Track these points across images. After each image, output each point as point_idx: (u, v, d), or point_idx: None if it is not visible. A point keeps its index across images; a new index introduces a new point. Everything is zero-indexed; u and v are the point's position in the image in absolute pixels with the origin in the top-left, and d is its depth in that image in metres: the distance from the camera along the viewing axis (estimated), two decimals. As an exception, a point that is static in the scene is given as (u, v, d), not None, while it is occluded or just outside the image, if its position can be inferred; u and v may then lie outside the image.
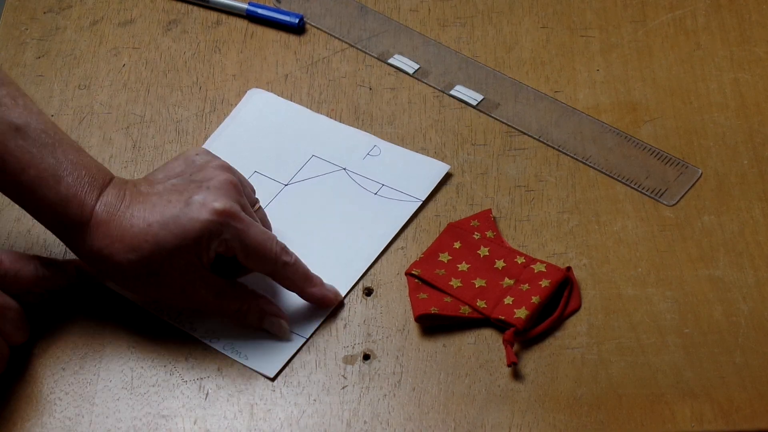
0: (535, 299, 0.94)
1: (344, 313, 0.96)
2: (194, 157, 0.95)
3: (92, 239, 0.91)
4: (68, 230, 0.92)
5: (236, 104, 1.09)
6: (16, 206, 1.02)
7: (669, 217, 1.00)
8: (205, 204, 0.90)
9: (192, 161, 0.95)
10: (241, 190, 0.93)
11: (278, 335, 0.94)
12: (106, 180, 0.93)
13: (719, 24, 1.12)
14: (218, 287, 0.93)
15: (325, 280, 0.97)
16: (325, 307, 0.95)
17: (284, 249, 0.93)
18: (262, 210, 0.98)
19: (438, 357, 0.93)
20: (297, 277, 0.94)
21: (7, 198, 1.03)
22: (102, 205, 0.91)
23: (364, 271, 0.98)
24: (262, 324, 0.94)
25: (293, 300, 0.96)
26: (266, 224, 0.98)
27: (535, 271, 0.95)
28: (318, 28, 1.15)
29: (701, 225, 0.99)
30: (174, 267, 0.91)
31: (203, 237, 0.90)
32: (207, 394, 0.92)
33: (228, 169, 0.94)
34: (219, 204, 0.90)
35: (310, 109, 1.09)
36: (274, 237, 0.93)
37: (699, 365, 0.91)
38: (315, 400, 0.92)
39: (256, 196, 0.98)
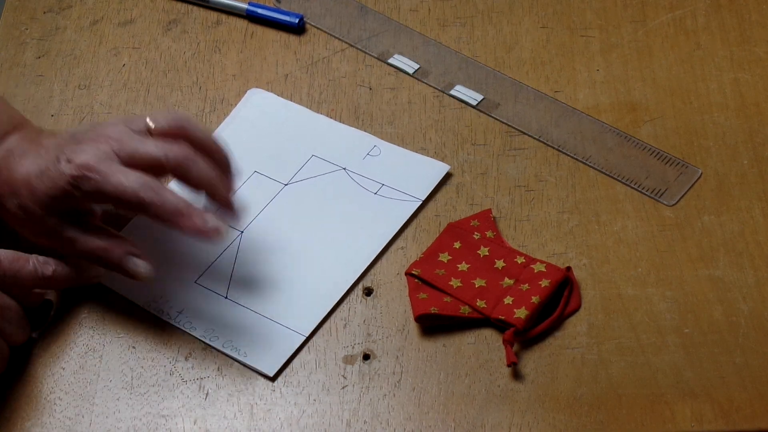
0: (535, 299, 0.94)
1: (344, 313, 0.96)
2: (102, 122, 0.97)
3: None
4: None
5: (236, 104, 1.09)
6: (16, 206, 1.02)
7: (669, 217, 1.00)
8: (69, 157, 0.92)
9: (95, 123, 0.98)
10: (117, 144, 0.93)
11: (137, 274, 0.93)
12: (12, 124, 0.97)
13: (719, 24, 1.12)
14: (93, 237, 0.94)
15: (324, 280, 0.97)
16: (207, 239, 0.92)
17: (149, 187, 0.91)
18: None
19: (438, 357, 0.93)
20: (166, 214, 0.92)
21: (6, 198, 1.03)
22: (2, 150, 0.95)
23: (363, 270, 0.98)
24: (123, 261, 0.93)
25: (293, 299, 0.96)
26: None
27: (535, 271, 0.96)
28: (318, 28, 1.15)
29: (701, 225, 0.99)
30: (50, 216, 0.93)
31: (68, 192, 0.92)
32: (207, 394, 0.92)
33: (112, 132, 0.94)
34: (79, 158, 0.92)
35: (310, 109, 1.09)
36: (136, 178, 0.91)
37: (699, 365, 0.91)
38: (315, 400, 0.92)
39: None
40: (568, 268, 0.96)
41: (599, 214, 1.00)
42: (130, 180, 0.91)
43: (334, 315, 0.96)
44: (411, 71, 1.11)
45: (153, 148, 0.93)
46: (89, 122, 0.99)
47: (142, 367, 0.94)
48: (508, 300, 0.94)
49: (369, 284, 0.97)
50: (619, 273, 0.96)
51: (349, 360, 0.93)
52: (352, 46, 1.13)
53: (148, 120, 0.95)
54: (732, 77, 1.08)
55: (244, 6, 1.16)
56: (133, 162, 0.93)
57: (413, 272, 0.97)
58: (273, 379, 0.93)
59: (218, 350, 0.95)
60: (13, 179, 0.94)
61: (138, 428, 0.91)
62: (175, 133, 0.95)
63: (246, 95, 1.10)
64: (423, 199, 1.02)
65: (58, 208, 0.93)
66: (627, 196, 1.01)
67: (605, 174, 1.03)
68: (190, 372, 0.94)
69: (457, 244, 0.98)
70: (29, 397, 0.93)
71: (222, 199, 0.95)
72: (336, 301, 0.96)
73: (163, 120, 0.95)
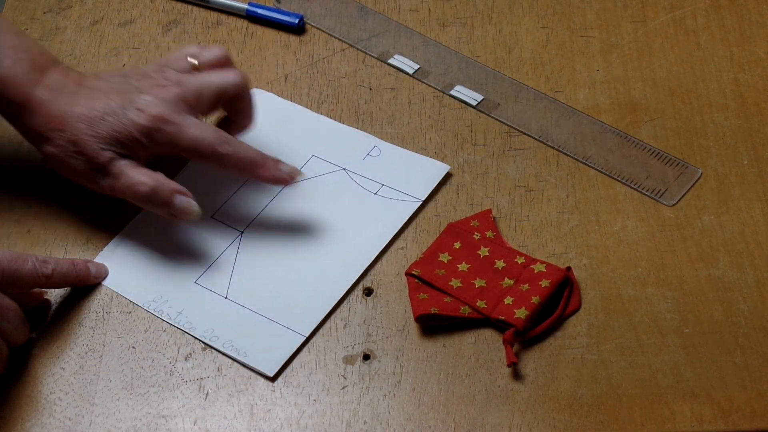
0: (535, 299, 0.94)
1: (344, 313, 0.96)
2: (142, 67, 1.01)
3: (33, 118, 0.98)
4: (11, 110, 0.98)
5: (236, 104, 1.10)
6: (16, 206, 1.02)
7: (669, 217, 1.00)
8: (142, 108, 0.96)
9: (138, 69, 1.01)
10: (179, 89, 0.98)
11: (187, 212, 0.96)
12: (48, 63, 0.99)
13: (719, 24, 1.12)
14: (141, 171, 0.97)
15: (324, 280, 0.97)
16: (282, 185, 0.99)
17: (224, 140, 0.96)
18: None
19: (438, 357, 0.93)
20: (242, 165, 0.97)
21: (6, 198, 1.03)
22: (43, 87, 0.98)
23: (363, 270, 0.98)
24: (171, 199, 0.96)
25: (293, 299, 0.96)
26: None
27: (535, 272, 0.96)
28: (318, 28, 1.15)
29: (701, 225, 0.99)
30: (106, 150, 0.96)
31: (137, 139, 0.96)
32: (207, 394, 0.92)
33: (168, 76, 0.99)
34: (153, 109, 0.96)
35: (310, 109, 1.09)
36: (210, 130, 0.97)
37: (699, 365, 0.91)
38: (315, 400, 0.92)
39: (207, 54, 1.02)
40: (568, 269, 0.96)
41: (599, 214, 1.00)
42: (205, 133, 0.96)
43: (334, 315, 0.96)
44: (411, 71, 1.11)
45: (215, 80, 0.99)
46: (132, 67, 1.03)
47: (142, 367, 0.94)
48: (508, 300, 0.94)
49: (369, 284, 0.97)
50: (619, 273, 0.96)
51: (349, 360, 0.93)
52: (352, 46, 1.13)
53: (190, 59, 1.00)
54: (732, 77, 1.08)
55: (244, 6, 1.16)
56: (201, 101, 0.98)
57: (413, 272, 0.97)
58: (273, 379, 0.93)
59: (218, 350, 0.95)
60: (66, 116, 0.97)
61: (138, 428, 0.91)
62: (217, 67, 1.01)
63: (246, 95, 1.10)
64: (423, 199, 1.02)
65: (116, 148, 0.96)
66: (627, 196, 1.01)
67: (605, 174, 1.03)
68: (190, 372, 0.94)
69: (457, 245, 0.98)
70: (29, 397, 0.93)
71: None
72: (336, 301, 0.96)
73: (206, 56, 1.01)
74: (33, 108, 0.97)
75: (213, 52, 1.01)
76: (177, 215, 0.97)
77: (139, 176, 0.96)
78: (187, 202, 0.96)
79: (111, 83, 0.98)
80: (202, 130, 0.96)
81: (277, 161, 0.98)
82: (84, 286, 0.98)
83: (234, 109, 1.02)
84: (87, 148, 0.96)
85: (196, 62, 1.00)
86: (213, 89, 0.99)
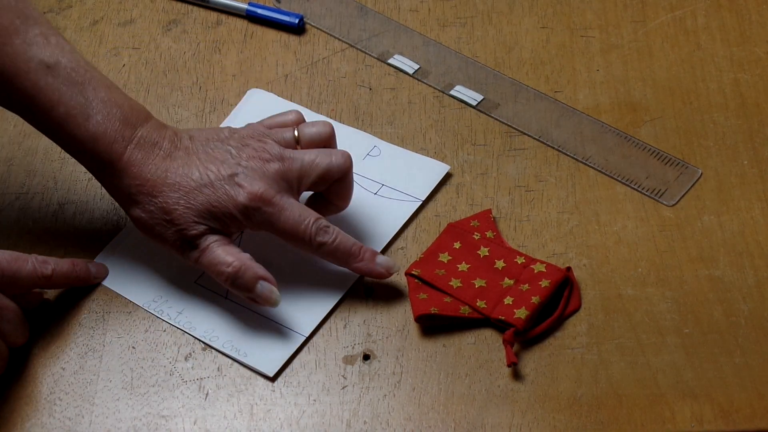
0: (535, 299, 0.94)
1: (344, 313, 0.96)
2: (241, 129, 0.97)
3: (123, 178, 0.93)
4: (100, 168, 0.94)
5: (236, 104, 1.09)
6: (16, 206, 1.03)
7: (669, 217, 1.00)
8: (240, 183, 0.92)
9: (237, 132, 0.96)
10: (283, 165, 0.94)
11: (268, 300, 0.93)
12: (140, 119, 0.95)
13: (719, 24, 1.12)
14: (228, 250, 0.93)
15: (324, 280, 0.97)
16: (378, 279, 0.96)
17: (321, 229, 0.93)
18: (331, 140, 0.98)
19: (438, 357, 0.93)
20: (338, 254, 0.94)
21: (6, 198, 1.03)
22: (134, 145, 0.93)
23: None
24: (255, 285, 0.93)
25: (293, 299, 0.96)
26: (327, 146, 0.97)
27: (535, 272, 0.95)
28: (318, 28, 1.15)
29: (701, 225, 0.99)
30: (199, 224, 0.93)
31: (233, 216, 0.93)
32: (207, 394, 0.92)
33: (270, 149, 0.94)
34: (257, 188, 0.92)
35: (310, 109, 1.09)
36: (310, 218, 0.93)
37: (699, 365, 0.91)
38: (315, 400, 0.92)
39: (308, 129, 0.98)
40: (568, 269, 0.96)
41: (599, 214, 1.00)
42: (304, 220, 0.93)
43: (334, 315, 0.96)
44: (411, 71, 1.11)
45: (320, 162, 0.95)
46: (228, 128, 0.97)
47: (142, 367, 0.94)
48: (508, 300, 0.94)
49: (369, 284, 0.97)
50: (619, 273, 0.96)
51: (349, 360, 0.93)
52: (352, 46, 1.13)
53: (296, 132, 0.97)
54: (732, 77, 1.08)
55: (244, 6, 1.16)
56: (303, 181, 0.94)
57: (413, 272, 0.97)
58: (273, 379, 0.93)
59: (218, 350, 0.95)
60: (156, 180, 0.93)
61: (138, 428, 0.91)
62: (319, 144, 0.97)
63: (246, 95, 1.10)
64: (423, 199, 1.02)
65: (209, 222, 0.93)
66: (627, 196, 1.01)
67: (605, 174, 1.03)
68: (190, 372, 0.93)
69: (457, 245, 0.98)
70: (29, 397, 0.93)
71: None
72: (336, 301, 0.96)
73: (311, 131, 0.97)
74: (123, 167, 0.93)
75: (318, 128, 0.97)
76: (257, 301, 0.93)
77: (225, 256, 0.92)
78: (269, 289, 0.93)
79: (208, 149, 0.94)
80: (301, 215, 0.93)
81: (374, 254, 0.95)
82: (84, 286, 0.98)
83: (333, 191, 0.97)
84: (179, 218, 0.92)
85: (300, 138, 0.97)
86: (317, 171, 0.95)
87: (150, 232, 0.94)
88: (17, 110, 0.95)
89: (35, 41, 0.93)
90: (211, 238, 0.93)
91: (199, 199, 0.92)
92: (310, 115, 1.08)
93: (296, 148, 0.96)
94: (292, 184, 0.94)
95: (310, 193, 0.99)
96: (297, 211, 0.93)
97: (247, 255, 0.93)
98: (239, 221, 0.93)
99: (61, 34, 0.95)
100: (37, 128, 0.95)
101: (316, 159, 0.95)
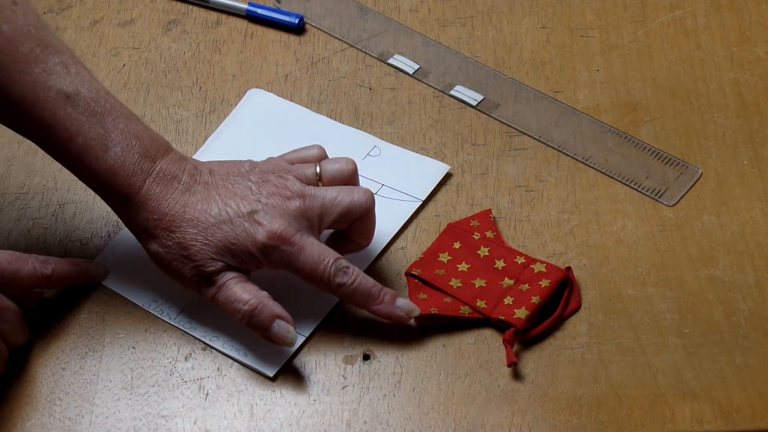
0: (535, 299, 0.94)
1: (344, 313, 0.96)
2: (261, 164, 0.95)
3: (140, 212, 0.92)
4: (117, 201, 0.93)
5: (236, 104, 1.09)
6: (16, 206, 1.03)
7: (669, 217, 1.00)
8: (259, 221, 0.91)
9: (257, 166, 0.95)
10: (305, 202, 0.92)
11: (283, 340, 0.91)
12: (159, 152, 0.93)
13: (719, 24, 1.12)
14: (245, 287, 0.92)
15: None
16: (397, 322, 0.94)
17: (340, 270, 0.91)
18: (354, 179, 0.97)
19: (438, 357, 0.93)
20: (357, 296, 0.92)
21: (6, 198, 1.03)
22: (153, 179, 0.92)
23: (364, 270, 0.98)
24: (271, 324, 0.91)
25: (293, 299, 0.96)
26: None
27: (535, 271, 0.95)
28: (318, 28, 1.15)
29: (701, 225, 0.99)
30: (217, 261, 0.92)
31: (252, 253, 0.91)
32: (207, 394, 0.92)
33: (291, 186, 0.93)
34: (277, 227, 0.91)
35: (310, 109, 1.09)
36: (329, 258, 0.91)
37: (699, 365, 0.91)
38: (315, 400, 0.92)
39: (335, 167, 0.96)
40: (568, 269, 0.96)
41: (599, 214, 1.00)
42: (323, 260, 0.91)
43: (334, 315, 0.96)
44: (411, 71, 1.11)
45: (342, 200, 0.93)
46: (249, 162, 0.95)
47: (142, 367, 0.94)
48: (508, 300, 0.94)
49: (369, 284, 0.97)
50: (619, 273, 0.96)
51: (349, 360, 0.93)
52: (352, 46, 1.13)
53: (317, 169, 0.95)
54: (732, 77, 1.08)
55: (244, 6, 1.16)
56: (324, 220, 0.93)
57: (413, 272, 0.97)
58: (273, 379, 0.93)
59: (218, 350, 0.95)
60: (174, 215, 0.92)
61: (138, 428, 0.91)
62: (341, 181, 0.96)
63: (246, 95, 1.10)
64: (423, 199, 1.02)
65: (227, 259, 0.92)
66: (627, 196, 1.01)
67: (605, 174, 1.03)
68: (190, 372, 0.93)
69: (457, 245, 0.98)
70: (29, 397, 0.93)
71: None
72: (336, 301, 0.96)
73: (333, 168, 0.96)
74: (141, 201, 0.92)
75: (340, 165, 0.95)
76: (273, 340, 0.92)
77: (242, 294, 0.91)
78: (285, 329, 0.91)
79: (228, 183, 0.93)
80: (321, 255, 0.91)
81: (393, 296, 0.93)
82: (84, 286, 0.98)
83: (354, 230, 0.95)
84: (197, 255, 0.91)
85: (320, 172, 0.95)
86: (339, 209, 0.93)
87: (167, 267, 0.93)
88: (35, 139, 0.94)
89: (55, 70, 0.91)
90: (229, 275, 0.92)
91: (218, 236, 0.91)
92: (310, 115, 1.08)
93: (318, 185, 0.95)
94: (312, 222, 0.93)
95: (331, 231, 0.98)
96: (316, 251, 0.91)
97: (265, 293, 0.92)
98: (257, 259, 0.92)
99: (82, 63, 0.94)
100: (54, 158, 0.94)
101: (338, 197, 0.93)
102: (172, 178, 0.92)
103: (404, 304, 0.93)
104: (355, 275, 0.92)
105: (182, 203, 0.92)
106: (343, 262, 0.92)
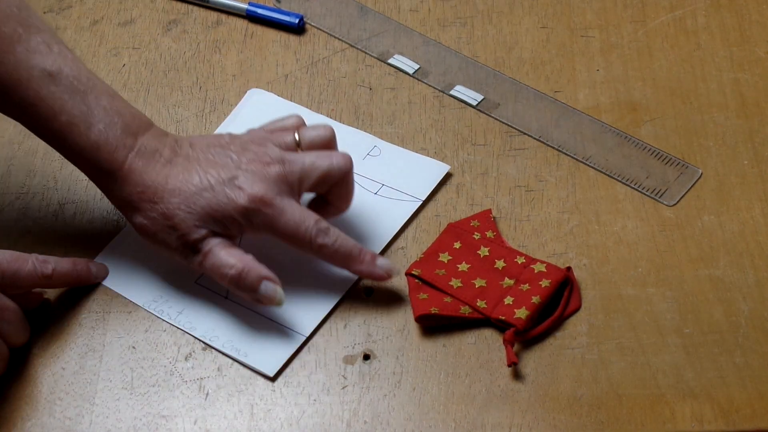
0: (535, 299, 0.94)
1: (344, 313, 0.96)
2: (241, 135, 0.97)
3: (124, 186, 0.94)
4: (101, 176, 0.94)
5: (236, 104, 1.09)
6: (16, 206, 1.03)
7: (669, 217, 1.00)
8: (243, 188, 0.92)
9: (237, 138, 0.97)
10: (283, 167, 0.94)
11: (271, 300, 0.93)
12: (141, 127, 0.95)
13: (719, 24, 1.12)
14: (231, 252, 0.93)
15: (324, 280, 0.97)
16: (378, 281, 0.96)
17: (322, 231, 0.93)
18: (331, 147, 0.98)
19: (438, 357, 0.93)
20: (338, 257, 0.94)
21: (6, 198, 1.03)
22: (136, 153, 0.94)
23: (364, 271, 0.98)
24: (258, 286, 0.93)
25: (293, 299, 0.96)
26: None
27: (535, 271, 0.95)
28: (318, 28, 1.15)
29: (701, 225, 0.99)
30: (201, 228, 0.93)
31: (234, 218, 0.92)
32: (207, 394, 0.92)
33: (270, 152, 0.95)
34: (256, 190, 0.92)
35: (310, 109, 1.09)
36: (310, 219, 0.93)
37: (699, 365, 0.91)
38: (315, 400, 0.92)
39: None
40: (569, 268, 0.96)
41: (599, 214, 1.00)
42: (304, 222, 0.93)
43: (334, 315, 0.96)
44: (411, 71, 1.11)
45: (320, 164, 0.95)
46: (229, 134, 0.97)
47: (142, 367, 0.94)
48: (508, 300, 0.94)
49: (369, 284, 0.97)
50: (619, 273, 0.96)
51: (349, 360, 0.93)
52: (352, 46, 1.13)
53: (296, 136, 0.97)
54: (732, 77, 1.08)
55: (244, 6, 1.16)
56: (303, 183, 0.94)
57: (413, 272, 0.97)
58: (273, 379, 0.93)
59: (218, 350, 0.95)
60: (156, 186, 0.93)
61: (138, 428, 0.91)
62: (320, 147, 0.97)
63: (246, 95, 1.10)
64: (423, 199, 1.02)
65: (210, 226, 0.93)
66: (627, 196, 1.01)
67: (605, 174, 1.03)
68: (190, 372, 0.94)
69: (457, 245, 0.98)
70: (29, 397, 0.93)
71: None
72: (336, 301, 0.96)
73: (311, 134, 0.97)
74: (124, 176, 0.93)
75: (319, 132, 0.97)
76: (261, 301, 0.93)
77: (228, 258, 0.92)
78: (272, 289, 0.93)
79: (209, 155, 0.94)
80: (302, 217, 0.93)
81: (374, 256, 0.95)
82: (84, 286, 0.98)
83: (334, 193, 0.97)
84: (181, 223, 0.92)
85: (301, 141, 0.97)
86: (318, 173, 0.95)
87: (153, 238, 0.94)
88: (19, 118, 0.95)
89: (38, 49, 0.93)
90: (213, 242, 0.93)
91: (200, 203, 0.92)
92: (310, 115, 1.08)
93: (297, 151, 0.96)
94: (292, 186, 0.94)
95: (312, 195, 0.99)
96: (297, 213, 0.93)
97: (250, 256, 0.93)
98: (240, 224, 0.93)
99: (64, 42, 0.95)
100: (39, 136, 0.95)
101: (317, 161, 0.95)
102: (154, 152, 0.94)
103: (384, 264, 0.95)
104: (336, 236, 0.94)
105: (164, 175, 0.93)
106: (324, 224, 0.93)
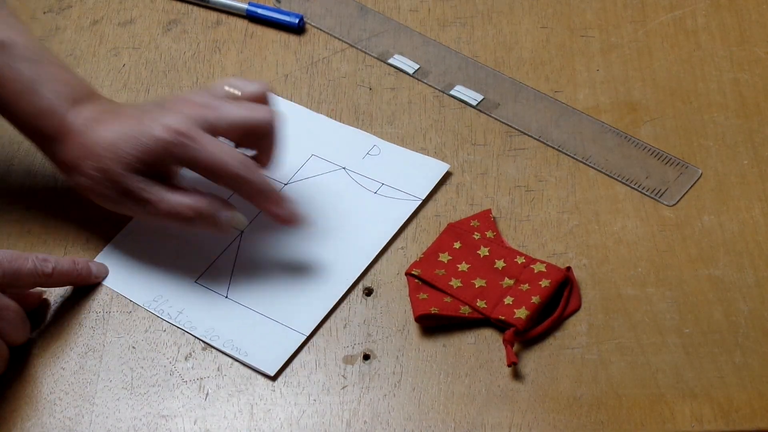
0: (535, 299, 0.94)
1: (344, 313, 0.96)
2: (178, 92, 1.01)
3: (66, 150, 0.96)
4: (45, 141, 0.98)
5: (236, 104, 1.10)
6: (17, 206, 1.02)
7: (669, 217, 1.00)
8: (160, 122, 0.94)
9: (175, 94, 1.00)
10: (205, 110, 0.95)
11: (234, 225, 0.95)
12: (84, 94, 0.98)
13: (719, 24, 1.12)
14: (178, 193, 0.95)
15: (325, 279, 0.97)
16: (283, 224, 0.97)
17: (243, 163, 0.95)
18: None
19: (438, 357, 0.93)
20: (256, 193, 0.95)
21: (7, 198, 1.03)
22: (78, 117, 0.97)
23: (363, 269, 0.98)
24: (217, 219, 0.95)
25: (293, 299, 0.96)
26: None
27: (535, 271, 0.96)
28: (318, 28, 1.15)
29: (701, 225, 0.99)
30: (134, 176, 0.94)
31: (158, 154, 0.94)
32: (207, 394, 0.92)
33: (196, 98, 0.97)
34: (172, 122, 0.94)
35: (310, 109, 1.09)
36: (232, 153, 0.94)
37: (699, 365, 0.91)
38: (315, 400, 0.92)
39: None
40: (568, 268, 0.96)
41: (599, 214, 1.00)
42: (226, 154, 0.94)
43: (334, 315, 0.96)
44: (411, 71, 1.11)
45: (243, 112, 0.96)
46: (167, 94, 1.01)
47: (142, 367, 0.94)
48: (508, 300, 0.94)
49: (369, 284, 0.97)
50: (619, 273, 0.96)
51: (349, 360, 0.93)
52: (352, 46, 1.13)
53: (227, 88, 0.98)
54: (732, 77, 1.08)
55: (244, 6, 1.16)
56: (225, 129, 0.96)
57: (413, 272, 0.97)
58: (273, 378, 0.93)
59: (218, 350, 0.95)
60: (92, 145, 0.95)
61: (138, 428, 0.91)
62: (256, 100, 0.99)
63: (246, 95, 1.10)
64: (423, 198, 1.02)
65: (143, 170, 0.94)
66: (627, 196, 1.01)
67: (605, 174, 1.03)
68: (190, 372, 0.94)
69: (457, 244, 0.98)
70: (29, 397, 0.93)
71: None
72: (336, 301, 0.96)
73: (245, 88, 0.99)
74: (65, 139, 0.96)
75: (253, 86, 0.99)
76: (223, 230, 0.95)
77: (179, 200, 0.94)
78: (230, 216, 0.95)
79: (143, 108, 0.97)
80: (224, 150, 0.94)
81: (287, 201, 0.96)
82: (84, 286, 0.98)
83: (259, 147, 0.98)
84: (115, 175, 0.94)
85: (235, 92, 0.98)
86: (239, 120, 0.96)
87: (97, 196, 0.97)
88: None
89: None
90: (155, 188, 0.95)
91: (127, 150, 0.94)
92: (310, 115, 1.08)
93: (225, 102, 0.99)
94: (214, 127, 0.95)
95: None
96: (219, 147, 0.94)
97: (196, 190, 0.95)
98: (164, 160, 0.94)
99: (14, 13, 0.99)
100: None
101: (239, 110, 0.97)
102: (96, 116, 0.97)
103: (291, 208, 0.96)
104: (258, 172, 0.95)
105: (98, 132, 0.96)
106: (247, 159, 0.95)
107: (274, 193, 0.96)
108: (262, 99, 0.99)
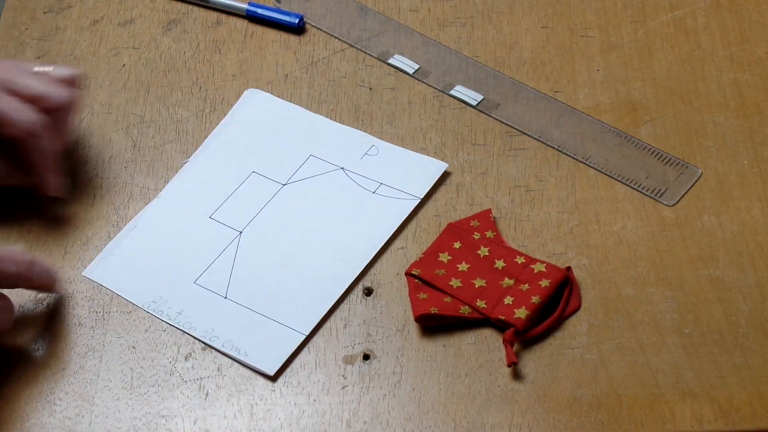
0: (535, 299, 0.94)
1: (344, 313, 0.96)
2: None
3: None
4: None
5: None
6: (17, 206, 1.02)
7: (669, 217, 1.00)
8: None
9: None
10: (9, 74, 0.98)
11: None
12: None
13: (719, 24, 1.12)
14: None
15: (324, 278, 0.97)
16: (45, 194, 1.00)
17: (39, 123, 0.98)
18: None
19: (438, 357, 0.93)
20: (42, 158, 0.98)
21: (7, 197, 1.03)
22: None
23: (363, 269, 0.98)
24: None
25: (293, 299, 0.96)
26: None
27: (535, 271, 0.95)
28: (318, 28, 1.15)
29: (701, 225, 0.99)
30: None
31: None
32: (207, 394, 0.92)
33: (11, 61, 1.01)
34: None
35: (310, 109, 1.09)
36: (31, 112, 0.97)
37: (699, 365, 0.91)
38: (315, 400, 0.92)
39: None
40: (568, 268, 0.96)
41: (599, 214, 1.00)
42: (24, 111, 0.97)
43: (334, 315, 0.96)
44: (411, 71, 1.11)
45: (41, 85, 0.99)
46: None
47: (142, 367, 0.94)
48: (508, 300, 0.94)
49: (369, 284, 0.97)
50: (619, 273, 0.96)
51: (349, 360, 0.93)
52: (352, 46, 1.13)
53: (37, 68, 1.01)
54: (732, 77, 1.08)
55: (244, 6, 1.16)
56: (21, 95, 0.98)
57: (413, 272, 0.97)
58: (273, 378, 0.93)
59: (218, 350, 0.95)
60: None
61: (138, 428, 0.91)
62: (65, 82, 1.01)
63: (243, 96, 1.10)
64: (421, 197, 1.02)
65: None
66: (627, 196, 1.01)
67: (605, 174, 1.03)
68: (190, 372, 0.94)
69: (457, 244, 0.98)
70: (29, 397, 0.93)
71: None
72: (335, 300, 0.96)
73: (54, 71, 1.01)
74: None
75: (62, 71, 1.02)
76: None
77: None
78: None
79: None
80: (21, 108, 0.97)
81: (60, 174, 1.00)
82: (84, 286, 0.98)
83: (54, 125, 1.00)
84: None
85: (45, 69, 1.01)
86: (38, 92, 0.98)
87: None
88: None
89: None
90: None
91: None
92: (307, 115, 1.08)
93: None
94: (14, 94, 0.97)
95: None
96: (16, 104, 0.96)
97: None
98: None
99: None
100: None
101: (41, 83, 0.99)
102: None
103: (59, 181, 1.00)
104: (53, 138, 0.98)
105: None
106: (48, 120, 0.98)
107: (55, 166, 0.99)
108: (71, 82, 1.02)
